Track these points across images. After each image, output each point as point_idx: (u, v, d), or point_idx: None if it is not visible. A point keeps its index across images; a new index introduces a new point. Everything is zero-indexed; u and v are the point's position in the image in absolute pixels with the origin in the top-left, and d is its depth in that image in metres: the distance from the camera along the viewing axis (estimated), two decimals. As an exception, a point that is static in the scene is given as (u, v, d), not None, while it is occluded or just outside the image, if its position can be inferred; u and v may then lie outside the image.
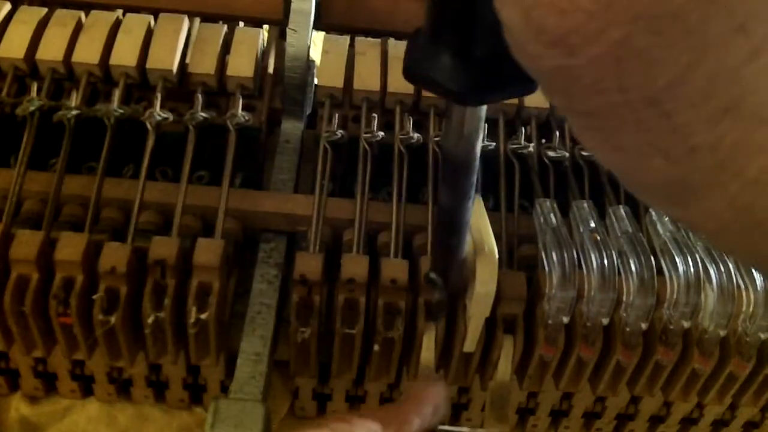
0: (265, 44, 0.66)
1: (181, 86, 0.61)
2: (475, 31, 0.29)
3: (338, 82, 0.61)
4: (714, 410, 0.61)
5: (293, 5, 0.62)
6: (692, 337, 0.52)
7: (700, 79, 0.21)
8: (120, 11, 0.64)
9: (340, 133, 0.59)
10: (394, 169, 0.57)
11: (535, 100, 0.61)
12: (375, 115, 0.60)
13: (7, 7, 0.62)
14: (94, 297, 0.50)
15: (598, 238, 0.51)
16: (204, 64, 0.61)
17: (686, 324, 0.50)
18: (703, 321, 0.51)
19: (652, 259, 0.50)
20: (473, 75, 0.30)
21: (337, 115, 0.60)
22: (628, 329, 0.51)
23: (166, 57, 0.60)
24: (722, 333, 0.51)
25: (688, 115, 0.21)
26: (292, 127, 0.64)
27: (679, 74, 0.21)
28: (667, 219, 0.53)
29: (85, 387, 0.61)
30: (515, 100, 0.62)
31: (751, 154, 0.22)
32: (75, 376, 0.59)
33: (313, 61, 0.65)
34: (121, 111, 0.57)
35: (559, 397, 0.61)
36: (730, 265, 0.50)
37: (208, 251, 0.51)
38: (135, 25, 0.61)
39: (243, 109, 0.59)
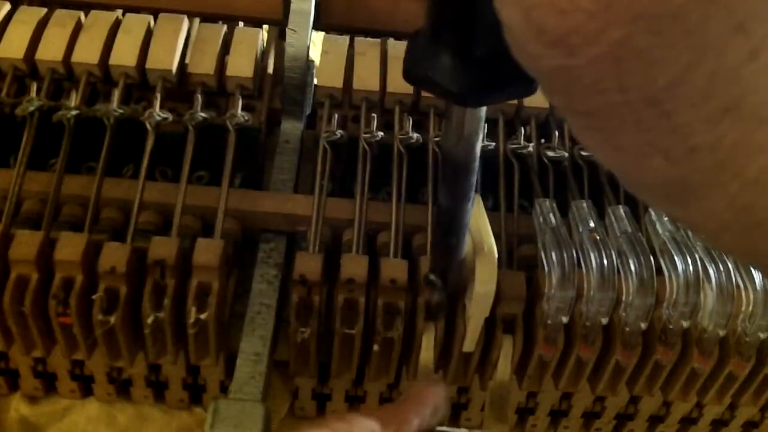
0: (265, 44, 0.66)
1: (181, 86, 0.61)
2: (475, 32, 0.29)
3: (338, 82, 0.61)
4: (713, 410, 0.61)
5: (293, 5, 0.62)
6: (691, 336, 0.52)
7: (700, 79, 0.21)
8: (120, 11, 0.64)
9: (339, 133, 0.59)
10: (394, 170, 0.57)
11: (535, 100, 0.60)
12: (374, 115, 0.60)
13: (7, 7, 0.62)
14: (94, 297, 0.50)
15: (598, 237, 0.51)
16: (203, 64, 0.61)
17: (685, 324, 0.51)
18: (703, 321, 0.51)
19: (652, 258, 0.50)
20: (473, 76, 0.30)
21: (336, 115, 0.60)
22: (627, 329, 0.51)
23: (166, 57, 0.60)
24: (721, 333, 0.51)
25: (688, 115, 0.21)
26: (291, 128, 0.64)
27: (679, 74, 0.21)
28: (666, 219, 0.53)
29: (85, 387, 0.61)
30: (514, 100, 0.62)
31: (751, 154, 0.22)
32: (75, 376, 0.59)
33: (313, 61, 0.65)
34: (121, 111, 0.57)
35: (559, 397, 0.61)
36: (730, 265, 0.50)
37: (207, 251, 0.51)
38: (134, 25, 0.61)
39: (242, 110, 0.59)
